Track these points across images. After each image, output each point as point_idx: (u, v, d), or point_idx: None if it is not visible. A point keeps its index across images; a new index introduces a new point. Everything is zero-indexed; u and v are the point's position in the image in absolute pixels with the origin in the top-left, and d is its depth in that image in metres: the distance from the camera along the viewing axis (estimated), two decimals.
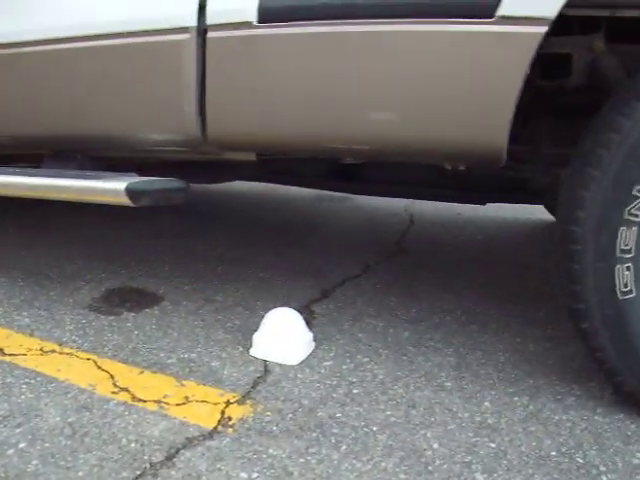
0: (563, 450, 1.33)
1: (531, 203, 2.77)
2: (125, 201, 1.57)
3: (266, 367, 1.67)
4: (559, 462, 1.29)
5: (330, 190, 2.67)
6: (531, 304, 2.10)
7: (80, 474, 1.25)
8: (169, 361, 1.71)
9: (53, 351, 1.76)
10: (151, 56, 1.62)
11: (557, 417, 1.46)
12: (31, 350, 1.76)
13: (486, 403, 1.51)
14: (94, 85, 1.74)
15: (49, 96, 1.84)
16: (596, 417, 1.46)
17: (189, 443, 1.35)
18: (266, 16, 1.45)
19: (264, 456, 1.31)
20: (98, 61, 1.71)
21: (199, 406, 1.49)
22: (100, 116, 1.77)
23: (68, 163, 1.98)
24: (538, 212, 3.39)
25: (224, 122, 1.59)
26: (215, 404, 1.50)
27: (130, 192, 1.55)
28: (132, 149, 2.01)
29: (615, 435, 1.39)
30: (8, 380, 1.60)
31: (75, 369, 1.66)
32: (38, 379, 1.61)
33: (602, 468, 1.28)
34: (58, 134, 1.88)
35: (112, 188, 1.58)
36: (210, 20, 1.51)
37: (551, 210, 2.90)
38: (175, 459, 1.29)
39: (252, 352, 1.74)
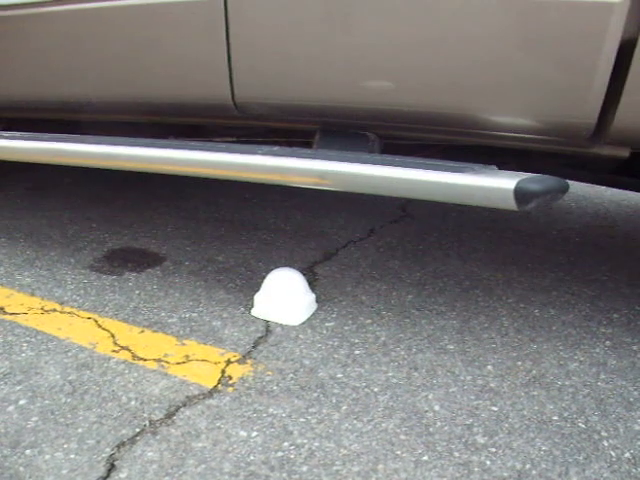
0: (565, 415, 1.33)
1: None
2: (506, 204, 1.24)
3: (267, 327, 1.66)
4: (561, 427, 1.29)
5: (619, 188, 2.38)
6: (536, 271, 2.08)
7: (79, 431, 1.25)
8: (170, 320, 1.70)
9: (54, 310, 1.76)
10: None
11: (560, 382, 1.44)
12: (32, 309, 1.76)
13: (489, 367, 1.50)
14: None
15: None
16: (599, 383, 1.44)
17: (189, 401, 1.34)
18: None
19: (264, 415, 1.30)
20: None
21: (199, 365, 1.48)
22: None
23: (350, 142, 1.62)
24: None
25: None
26: (216, 363, 1.49)
27: (520, 193, 1.21)
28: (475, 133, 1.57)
29: (617, 401, 1.38)
30: (9, 338, 1.60)
31: (76, 328, 1.66)
32: (39, 337, 1.61)
33: (604, 434, 1.27)
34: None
35: (496, 187, 1.23)
36: None
37: None
38: (175, 417, 1.29)
39: (253, 312, 1.73)
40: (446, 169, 1.30)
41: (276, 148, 1.52)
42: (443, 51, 1.38)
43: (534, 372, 1.48)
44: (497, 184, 1.23)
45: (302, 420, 1.29)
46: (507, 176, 1.25)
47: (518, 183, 1.21)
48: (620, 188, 2.31)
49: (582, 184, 3.22)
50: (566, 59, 1.28)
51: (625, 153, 1.53)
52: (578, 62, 1.27)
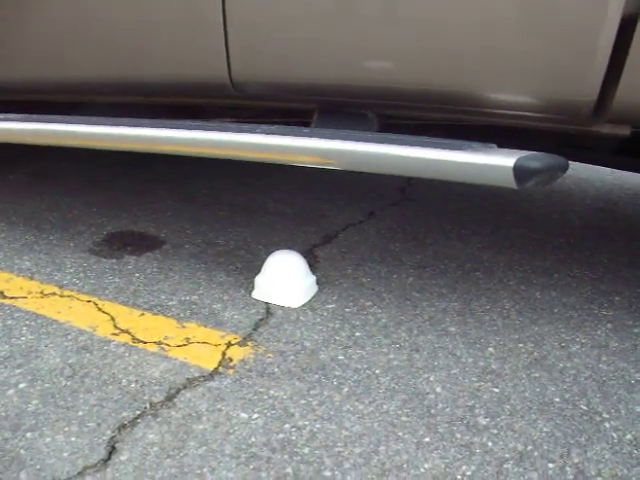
0: (567, 397, 1.32)
1: None
2: (505, 181, 1.22)
3: (268, 309, 1.66)
4: (562, 408, 1.28)
5: (617, 169, 2.34)
6: (537, 254, 2.08)
7: (80, 414, 1.25)
8: (170, 303, 1.69)
9: (53, 294, 1.75)
10: None
11: (561, 364, 1.44)
12: (31, 293, 1.75)
13: (490, 349, 1.50)
14: None
15: None
16: (600, 365, 1.44)
17: (189, 384, 1.34)
18: None
19: (265, 397, 1.30)
20: None
21: (200, 347, 1.48)
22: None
23: (349, 121, 1.60)
24: None
25: None
26: (216, 345, 1.49)
27: (519, 170, 1.19)
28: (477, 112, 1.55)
29: (619, 383, 1.38)
30: (9, 322, 1.59)
31: (75, 311, 1.65)
32: (38, 321, 1.60)
33: (605, 415, 1.27)
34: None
35: (495, 164, 1.22)
36: None
37: None
38: (175, 399, 1.29)
39: (254, 294, 1.72)
40: (446, 147, 1.28)
41: (274, 127, 1.50)
42: (442, 29, 1.37)
43: (536, 354, 1.48)
44: (496, 162, 1.22)
45: (303, 402, 1.29)
46: (506, 154, 1.24)
47: (517, 160, 1.20)
48: (621, 169, 2.30)
49: (584, 167, 3.21)
50: (567, 35, 1.27)
51: (626, 131, 1.52)
52: (579, 39, 1.26)
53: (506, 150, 1.29)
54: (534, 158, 1.23)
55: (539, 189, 2.89)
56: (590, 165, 2.77)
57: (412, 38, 1.40)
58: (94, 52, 1.81)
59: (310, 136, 1.42)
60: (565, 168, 1.34)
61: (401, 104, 1.61)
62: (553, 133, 1.84)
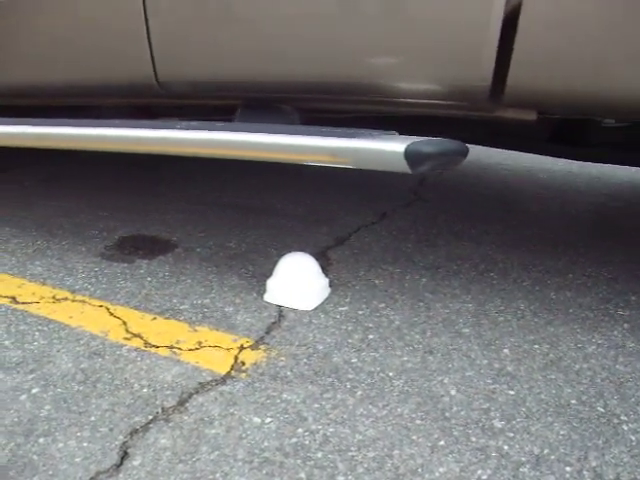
0: (583, 399, 1.30)
1: None
2: (399, 166, 1.26)
3: (280, 312, 1.65)
4: (579, 410, 1.27)
5: (553, 156, 2.38)
6: (551, 253, 2.06)
7: (92, 419, 1.24)
8: (182, 307, 1.69)
9: (65, 299, 1.75)
10: None
11: (578, 366, 1.42)
12: (44, 298, 1.75)
13: (505, 350, 1.48)
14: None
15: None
16: (617, 366, 1.42)
17: (202, 388, 1.33)
18: None
19: (278, 401, 1.29)
20: None
21: (212, 351, 1.47)
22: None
23: (270, 116, 1.65)
24: (549, 161, 3.33)
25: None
26: (228, 349, 1.48)
27: (411, 155, 1.23)
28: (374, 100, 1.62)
29: (637, 385, 1.35)
30: (21, 327, 1.59)
31: (87, 316, 1.65)
32: (50, 326, 1.60)
33: (623, 417, 1.25)
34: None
35: (387, 149, 1.26)
36: None
37: None
38: (187, 404, 1.28)
39: (266, 298, 1.71)
40: (345, 135, 1.33)
41: (194, 122, 1.57)
42: (337, 19, 1.41)
43: (551, 355, 1.46)
44: (389, 147, 1.26)
45: (316, 406, 1.28)
46: (401, 140, 1.28)
47: (409, 145, 1.24)
48: (555, 156, 2.35)
49: (594, 165, 3.19)
50: (457, 21, 1.30)
51: (531, 116, 1.54)
52: (469, 25, 1.29)
53: (403, 137, 1.32)
54: (427, 143, 1.28)
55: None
56: (599, 163, 2.76)
57: (311, 31, 1.44)
58: (33, 55, 1.88)
59: (219, 130, 1.49)
60: (464, 153, 1.38)
61: (311, 97, 1.65)
62: (481, 122, 1.89)
